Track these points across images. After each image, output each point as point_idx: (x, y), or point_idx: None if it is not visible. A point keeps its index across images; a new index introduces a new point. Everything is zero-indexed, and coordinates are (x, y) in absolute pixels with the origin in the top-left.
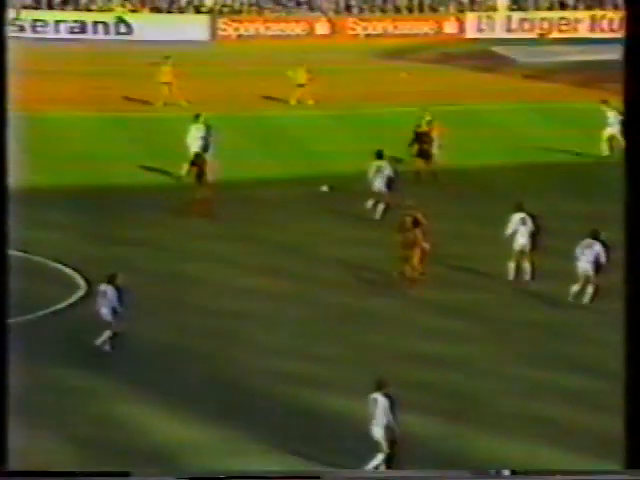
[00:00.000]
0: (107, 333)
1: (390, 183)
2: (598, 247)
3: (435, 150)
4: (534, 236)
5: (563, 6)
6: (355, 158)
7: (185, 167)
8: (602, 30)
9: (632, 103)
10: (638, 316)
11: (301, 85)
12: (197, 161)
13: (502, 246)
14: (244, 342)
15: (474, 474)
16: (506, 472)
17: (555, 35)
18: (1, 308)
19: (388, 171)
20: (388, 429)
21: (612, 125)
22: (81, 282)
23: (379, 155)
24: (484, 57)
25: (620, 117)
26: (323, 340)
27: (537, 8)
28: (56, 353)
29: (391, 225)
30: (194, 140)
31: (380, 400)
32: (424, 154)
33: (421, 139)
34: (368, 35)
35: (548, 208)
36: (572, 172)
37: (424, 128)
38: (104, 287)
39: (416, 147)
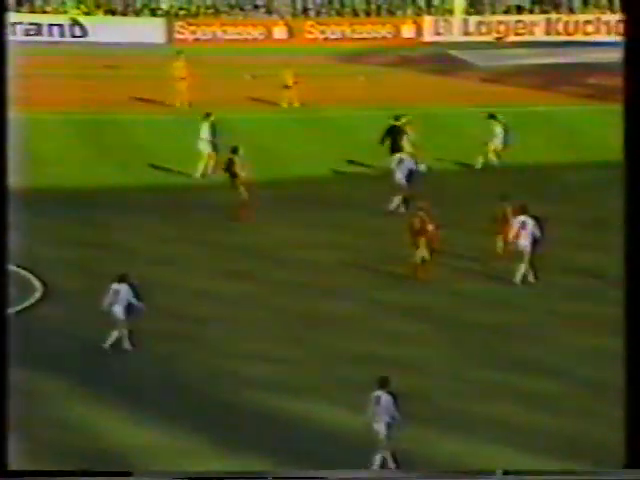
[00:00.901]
0: (118, 332)
1: (411, 176)
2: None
3: (407, 146)
4: (536, 239)
5: (519, 10)
6: (316, 161)
7: (200, 168)
8: (558, 33)
9: (632, 103)
10: (637, 319)
11: (288, 87)
12: (228, 163)
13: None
14: (205, 345)
15: (473, 475)
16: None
17: (512, 38)
18: (1, 308)
19: (410, 164)
20: (390, 426)
21: (497, 137)
22: (37, 284)
23: (395, 149)
24: (442, 60)
25: (503, 129)
26: (285, 343)
27: (494, 12)
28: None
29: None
30: (204, 140)
31: (384, 398)
32: (396, 149)
33: (394, 135)
34: (326, 39)
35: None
36: (535, 175)
37: (398, 123)
38: (117, 286)
39: (388, 143)
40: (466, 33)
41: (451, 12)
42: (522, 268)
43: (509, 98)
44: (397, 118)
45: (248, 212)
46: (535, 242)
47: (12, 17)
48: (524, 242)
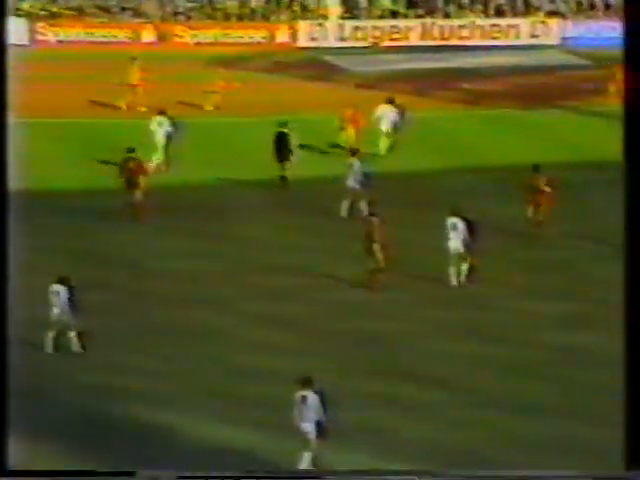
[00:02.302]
0: (55, 334)
1: (364, 180)
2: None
3: (293, 155)
4: (467, 240)
5: (395, 14)
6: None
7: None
8: (433, 38)
9: (632, 104)
10: (637, 320)
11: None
12: (128, 164)
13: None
14: (74, 358)
15: (474, 475)
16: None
17: (387, 43)
18: (1, 308)
19: (360, 168)
20: (318, 425)
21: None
22: None
23: (353, 152)
24: (317, 66)
25: (398, 114)
26: (152, 355)
27: (369, 17)
28: None
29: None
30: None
31: (310, 397)
32: (283, 157)
33: (281, 141)
34: (198, 43)
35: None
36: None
37: (284, 129)
38: (56, 287)
39: (275, 151)
40: (341, 38)
41: (326, 17)
42: (453, 270)
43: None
44: (283, 125)
45: (143, 214)
46: (467, 244)
47: None
48: (455, 244)
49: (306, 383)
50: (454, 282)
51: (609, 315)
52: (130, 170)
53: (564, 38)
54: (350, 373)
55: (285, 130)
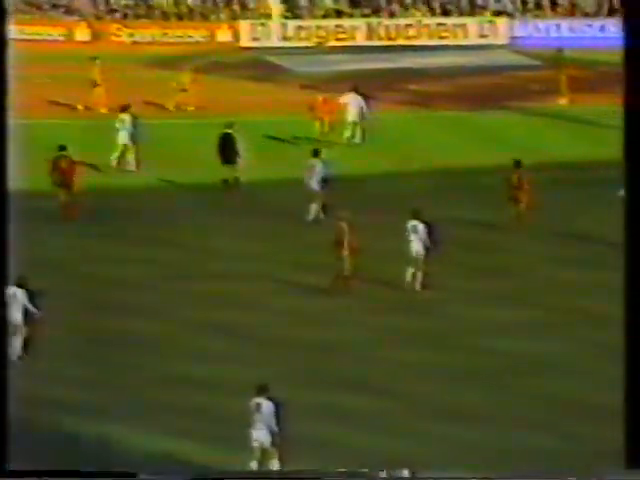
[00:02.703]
0: (17, 339)
1: (325, 183)
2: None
3: (240, 155)
4: (427, 244)
5: (339, 14)
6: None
7: (114, 158)
8: (379, 38)
9: (632, 104)
10: (637, 318)
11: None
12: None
13: None
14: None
15: (475, 475)
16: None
17: (332, 43)
18: (1, 308)
19: (322, 170)
20: (272, 433)
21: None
22: None
23: (315, 153)
24: (260, 67)
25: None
26: (87, 363)
27: (313, 16)
28: None
29: None
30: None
31: (264, 404)
32: (229, 159)
33: (227, 143)
34: (135, 42)
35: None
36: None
37: (228, 131)
38: (14, 289)
39: (220, 153)
40: (284, 38)
41: (268, 16)
42: (411, 272)
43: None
44: (229, 126)
45: (75, 215)
46: (427, 247)
47: None
48: (415, 247)
49: (261, 390)
50: (413, 286)
51: (562, 321)
52: (61, 170)
53: (513, 38)
54: (298, 382)
55: (230, 131)
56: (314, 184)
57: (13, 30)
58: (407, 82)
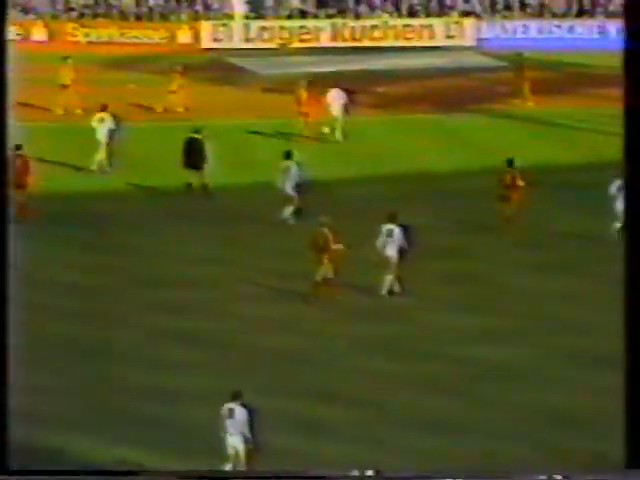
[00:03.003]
0: None
1: (299, 186)
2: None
3: (207, 162)
4: (402, 248)
5: (303, 14)
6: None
7: (97, 159)
8: (344, 39)
9: (632, 104)
10: (637, 321)
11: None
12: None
13: None
14: None
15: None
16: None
17: (297, 45)
18: (1, 309)
19: (296, 173)
20: (245, 440)
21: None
22: None
23: (287, 155)
24: (221, 69)
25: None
26: (44, 371)
27: (276, 17)
28: None
29: None
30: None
31: (238, 410)
32: (195, 164)
33: (193, 148)
34: (90, 42)
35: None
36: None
37: (195, 135)
38: None
39: (185, 157)
40: (247, 39)
41: (231, 17)
42: (388, 279)
43: (294, 109)
44: (197, 131)
45: (28, 216)
46: (402, 252)
47: None
48: (390, 252)
49: (235, 396)
50: (384, 292)
51: (529, 329)
52: (16, 169)
53: (480, 39)
54: (262, 392)
55: (198, 136)
56: (288, 187)
57: None
58: (373, 84)
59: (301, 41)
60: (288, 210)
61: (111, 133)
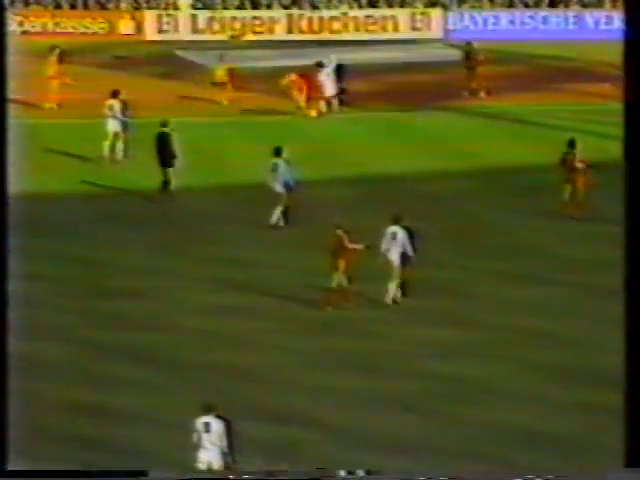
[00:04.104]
0: None
1: (288, 184)
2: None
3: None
4: (409, 251)
5: (256, 5)
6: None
7: (106, 147)
8: (301, 31)
9: (632, 103)
10: (637, 317)
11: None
12: None
13: None
14: None
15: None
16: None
17: (249, 37)
18: (1, 308)
19: (285, 170)
20: (224, 454)
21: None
22: None
23: (277, 152)
24: (168, 62)
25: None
26: None
27: (226, 7)
28: None
29: None
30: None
31: (214, 424)
32: (166, 162)
33: (163, 142)
34: (24, 32)
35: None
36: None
37: (166, 130)
38: None
39: (158, 155)
40: (195, 31)
41: (176, 7)
42: (392, 286)
43: (248, 104)
44: (164, 125)
45: None
46: (405, 256)
47: None
48: (393, 256)
49: (207, 409)
50: (389, 300)
51: (496, 342)
52: None
53: (448, 31)
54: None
55: (167, 130)
56: (278, 186)
57: None
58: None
59: (254, 33)
60: (277, 211)
61: (123, 121)
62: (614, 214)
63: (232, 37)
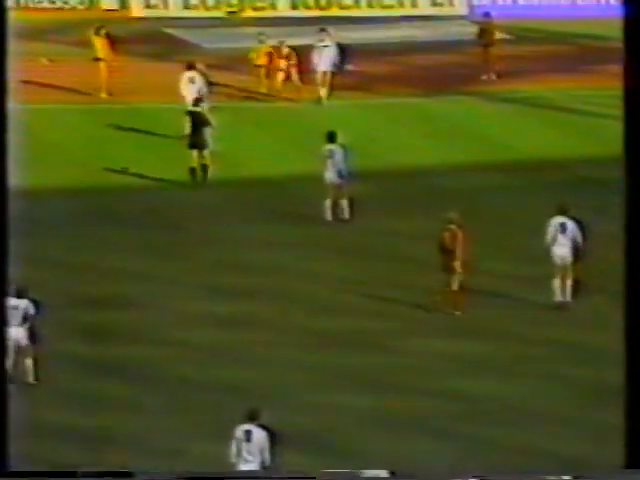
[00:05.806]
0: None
1: (341, 173)
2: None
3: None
4: (577, 245)
5: None
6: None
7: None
8: (307, 7)
9: (632, 101)
10: (637, 318)
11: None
12: None
13: None
14: None
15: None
16: None
17: (249, 14)
18: (1, 308)
19: (341, 157)
20: (266, 469)
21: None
22: None
23: (331, 138)
24: (157, 41)
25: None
26: None
27: None
28: None
29: None
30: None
31: (255, 433)
32: (199, 144)
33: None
34: None
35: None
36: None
37: (198, 109)
38: (15, 302)
39: (190, 136)
40: (187, 7)
41: None
42: (557, 283)
43: (242, 88)
44: (196, 104)
45: None
46: (576, 250)
47: None
48: (563, 250)
49: (252, 416)
50: (559, 298)
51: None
52: None
53: (472, 7)
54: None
55: (199, 110)
56: (333, 175)
57: None
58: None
59: (254, 10)
60: (328, 202)
61: (203, 94)
62: None
63: (229, 13)
